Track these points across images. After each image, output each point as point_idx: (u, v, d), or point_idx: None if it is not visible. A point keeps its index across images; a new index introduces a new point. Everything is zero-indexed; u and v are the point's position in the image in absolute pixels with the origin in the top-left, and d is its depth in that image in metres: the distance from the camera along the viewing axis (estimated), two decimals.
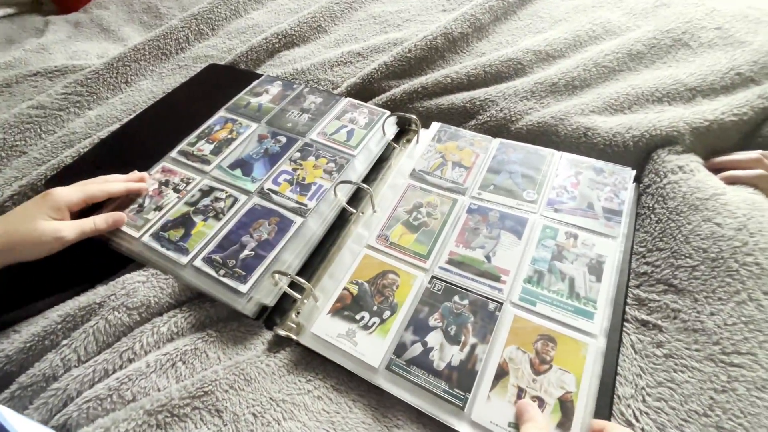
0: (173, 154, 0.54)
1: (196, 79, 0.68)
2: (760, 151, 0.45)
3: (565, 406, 0.32)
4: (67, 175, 0.54)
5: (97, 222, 0.42)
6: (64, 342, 0.37)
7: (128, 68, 0.73)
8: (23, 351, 0.37)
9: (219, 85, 0.66)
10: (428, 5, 0.78)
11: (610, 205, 0.44)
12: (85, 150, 0.58)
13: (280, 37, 0.74)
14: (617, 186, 0.46)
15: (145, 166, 0.52)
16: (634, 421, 0.31)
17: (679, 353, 0.34)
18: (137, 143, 0.58)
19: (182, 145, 0.55)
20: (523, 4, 0.73)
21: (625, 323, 0.37)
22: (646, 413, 0.32)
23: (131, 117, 0.63)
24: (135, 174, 0.50)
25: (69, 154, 0.57)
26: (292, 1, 0.88)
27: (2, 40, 0.93)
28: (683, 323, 0.35)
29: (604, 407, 0.32)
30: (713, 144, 0.48)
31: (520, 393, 0.33)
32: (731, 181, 0.44)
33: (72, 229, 0.40)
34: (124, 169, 0.51)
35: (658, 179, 0.44)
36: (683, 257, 0.38)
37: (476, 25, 0.67)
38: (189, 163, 0.52)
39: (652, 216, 0.43)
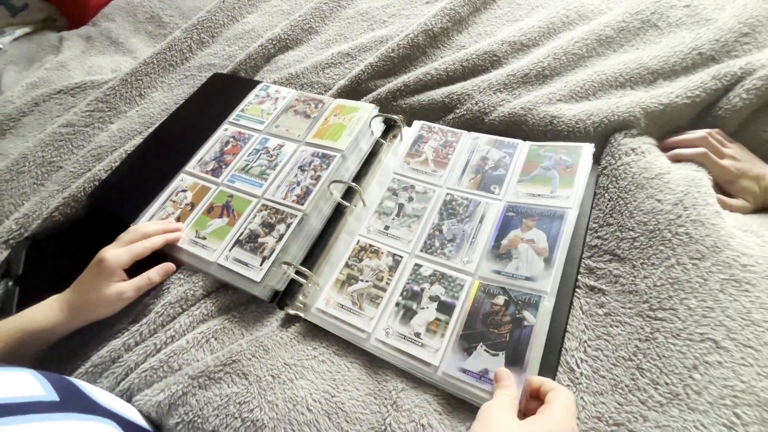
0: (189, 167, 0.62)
1: (202, 90, 0.75)
2: (707, 130, 0.50)
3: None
4: (104, 190, 0.63)
5: (152, 276, 0.50)
6: (126, 332, 0.47)
7: (141, 82, 0.80)
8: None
9: (224, 93, 0.73)
10: None
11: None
12: (115, 164, 0.66)
13: (274, 42, 0.79)
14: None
15: (169, 177, 0.60)
16: (575, 367, 0.39)
17: (616, 311, 0.41)
18: (159, 156, 0.66)
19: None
20: None
21: (577, 289, 0.44)
22: (585, 361, 0.39)
23: (150, 130, 0.71)
24: (170, 224, 0.55)
25: (101, 167, 0.66)
26: (284, 1, 0.92)
27: (24, 59, 1.01)
28: (622, 286, 0.42)
29: (553, 357, 0.40)
30: (668, 124, 0.53)
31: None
32: (677, 159, 0.49)
33: (132, 288, 0.48)
34: (152, 182, 0.59)
35: (614, 161, 0.50)
36: (627, 230, 0.44)
37: (456, 18, 0.71)
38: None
39: (606, 195, 0.48)
